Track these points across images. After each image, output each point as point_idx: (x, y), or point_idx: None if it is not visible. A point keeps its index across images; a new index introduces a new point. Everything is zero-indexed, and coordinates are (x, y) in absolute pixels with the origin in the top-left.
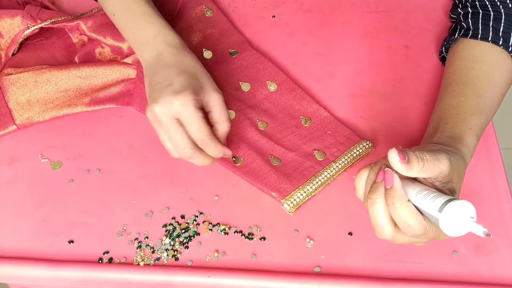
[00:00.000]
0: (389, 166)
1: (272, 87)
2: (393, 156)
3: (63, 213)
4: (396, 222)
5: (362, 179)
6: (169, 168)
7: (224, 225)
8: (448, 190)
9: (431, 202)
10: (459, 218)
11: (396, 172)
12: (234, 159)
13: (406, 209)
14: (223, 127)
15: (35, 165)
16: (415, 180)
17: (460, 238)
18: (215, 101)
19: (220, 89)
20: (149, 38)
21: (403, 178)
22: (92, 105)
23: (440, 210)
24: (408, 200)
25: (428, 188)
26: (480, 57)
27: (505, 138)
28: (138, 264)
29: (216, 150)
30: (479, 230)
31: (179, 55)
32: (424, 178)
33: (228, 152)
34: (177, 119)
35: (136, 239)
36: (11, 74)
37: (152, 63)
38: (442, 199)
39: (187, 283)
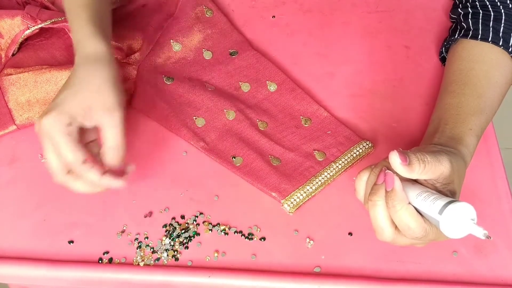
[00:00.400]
0: (389, 168)
1: (272, 87)
2: (394, 159)
3: (63, 213)
4: (396, 224)
5: (363, 181)
6: (169, 168)
7: (224, 225)
8: (449, 192)
9: (431, 204)
10: (459, 220)
11: (397, 174)
12: (234, 159)
13: (407, 212)
14: (108, 153)
15: (35, 165)
16: (415, 181)
17: (460, 239)
18: (106, 121)
19: (220, 89)
20: (74, 43)
21: (403, 179)
22: None
23: (441, 212)
24: (409, 203)
25: (428, 190)
26: (480, 57)
27: (505, 138)
28: (138, 264)
29: (95, 177)
30: (480, 232)
31: (84, 66)
32: (424, 180)
33: (114, 183)
34: (51, 139)
35: (136, 239)
36: (11, 74)
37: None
38: (442, 201)
39: (187, 283)
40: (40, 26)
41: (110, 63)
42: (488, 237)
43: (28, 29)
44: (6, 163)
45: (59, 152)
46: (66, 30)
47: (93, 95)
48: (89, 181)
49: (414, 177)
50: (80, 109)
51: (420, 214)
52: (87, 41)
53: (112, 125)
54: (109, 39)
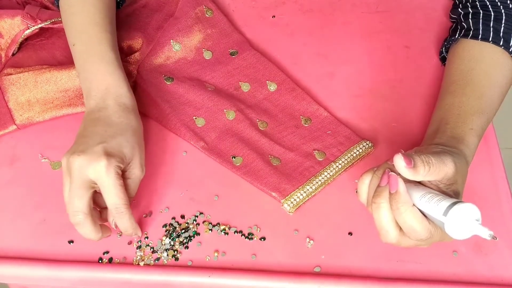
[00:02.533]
0: (392, 169)
1: (272, 87)
2: (399, 161)
3: (63, 213)
4: (401, 226)
5: (365, 184)
6: (169, 168)
7: (224, 225)
8: (452, 192)
9: (435, 206)
10: (464, 221)
11: (400, 176)
12: (233, 159)
13: (411, 214)
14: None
15: (35, 165)
16: (418, 183)
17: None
18: (133, 177)
19: (220, 89)
20: (100, 87)
21: (407, 181)
22: None
23: (445, 213)
24: (413, 205)
25: (432, 191)
26: (480, 57)
27: (505, 138)
28: (138, 264)
29: (129, 223)
30: (485, 233)
31: (124, 117)
32: (428, 181)
33: (139, 233)
34: (91, 180)
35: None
36: (11, 74)
37: (94, 112)
38: (446, 202)
39: (187, 283)
40: (40, 26)
41: (139, 116)
42: (494, 237)
43: (28, 29)
44: (6, 163)
45: (110, 193)
46: None
47: (137, 150)
48: (124, 223)
49: (418, 179)
50: (129, 158)
51: (424, 215)
52: (124, 90)
53: (137, 180)
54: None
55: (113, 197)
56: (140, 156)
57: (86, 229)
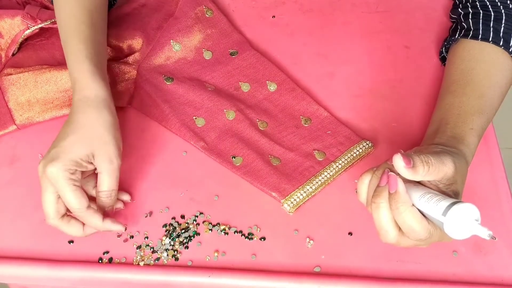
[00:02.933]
0: (392, 169)
1: (272, 87)
2: (398, 161)
3: None
4: (400, 226)
5: (365, 184)
6: (169, 168)
7: (224, 225)
8: (452, 192)
9: (434, 206)
10: (463, 221)
11: (399, 175)
12: (233, 159)
13: (411, 214)
14: (103, 195)
15: (35, 165)
16: (418, 183)
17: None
18: (104, 167)
19: (220, 89)
20: (72, 83)
21: (406, 181)
22: None
23: (444, 213)
24: (412, 205)
25: (431, 191)
26: (480, 57)
27: (505, 138)
28: (138, 264)
29: (95, 222)
30: (484, 233)
31: (85, 112)
32: (428, 181)
33: (114, 227)
34: (54, 185)
35: (132, 236)
36: (11, 74)
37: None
38: (446, 202)
39: (187, 283)
40: (40, 26)
41: (110, 109)
42: (493, 237)
43: (28, 29)
44: (6, 163)
45: (64, 199)
46: None
47: (97, 144)
48: (92, 224)
49: (418, 179)
50: (85, 156)
51: (424, 215)
52: (87, 82)
53: (110, 173)
54: (107, 78)
55: (68, 203)
56: (106, 148)
57: (67, 230)
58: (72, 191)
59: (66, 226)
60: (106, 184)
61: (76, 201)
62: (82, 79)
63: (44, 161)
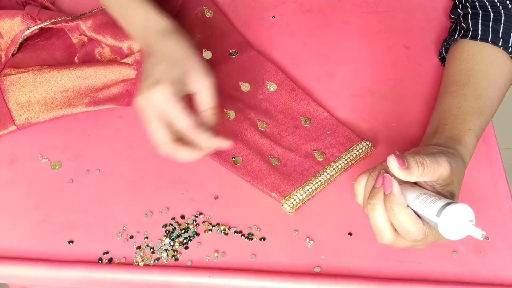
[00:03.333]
0: (388, 171)
1: (272, 87)
2: (392, 163)
3: (63, 213)
4: (395, 227)
5: (361, 185)
6: (169, 168)
7: (224, 225)
8: (448, 193)
9: (429, 206)
10: (457, 222)
11: (395, 177)
12: (233, 159)
13: (405, 215)
14: (207, 113)
15: (35, 165)
16: (414, 183)
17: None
18: (201, 85)
19: (220, 90)
20: (136, 27)
21: (402, 182)
22: (92, 106)
23: (438, 214)
24: (408, 206)
25: (426, 192)
26: (480, 57)
27: (505, 138)
28: (138, 264)
29: (206, 140)
30: (478, 234)
31: (164, 41)
32: (424, 182)
33: (223, 144)
34: (160, 112)
35: (132, 236)
36: (11, 74)
37: (144, 53)
38: (440, 203)
39: (187, 283)
40: (40, 26)
41: (183, 34)
42: (486, 238)
43: (28, 29)
44: (6, 163)
45: (172, 121)
46: (66, 30)
47: (187, 65)
48: (200, 144)
49: (413, 180)
50: (182, 76)
51: (419, 216)
52: (156, 18)
53: (208, 89)
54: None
55: (180, 122)
56: (197, 66)
57: (181, 154)
58: (180, 110)
59: (180, 150)
60: (207, 101)
61: (185, 120)
62: (152, 17)
63: (145, 91)
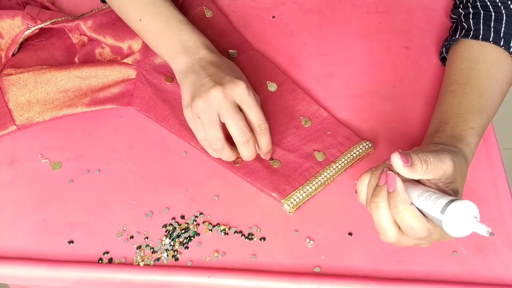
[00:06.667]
0: (391, 169)
1: (272, 87)
2: (396, 160)
3: (63, 213)
4: (399, 225)
5: (364, 184)
6: (169, 168)
7: (224, 225)
8: (452, 190)
9: (433, 204)
10: (462, 219)
11: (398, 174)
12: (233, 159)
13: (409, 212)
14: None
15: (35, 165)
16: (417, 181)
17: (460, 238)
18: (250, 103)
19: None
20: (188, 44)
21: (405, 180)
22: (92, 106)
23: (443, 211)
24: (411, 203)
25: (430, 189)
26: (481, 57)
27: (505, 138)
28: (138, 264)
29: (269, 139)
30: (483, 230)
31: (222, 57)
32: (427, 179)
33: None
34: (218, 114)
35: (132, 236)
36: (11, 74)
37: (192, 67)
38: (444, 200)
39: (187, 283)
40: (40, 26)
41: (219, 53)
42: (491, 234)
43: (28, 29)
44: (6, 163)
45: (253, 113)
46: (66, 30)
47: (245, 80)
48: (264, 141)
49: (416, 178)
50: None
51: (424, 214)
52: (204, 38)
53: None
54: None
55: (257, 116)
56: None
57: (227, 152)
58: (258, 104)
59: (229, 149)
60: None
61: (263, 115)
62: (202, 38)
63: (222, 88)
